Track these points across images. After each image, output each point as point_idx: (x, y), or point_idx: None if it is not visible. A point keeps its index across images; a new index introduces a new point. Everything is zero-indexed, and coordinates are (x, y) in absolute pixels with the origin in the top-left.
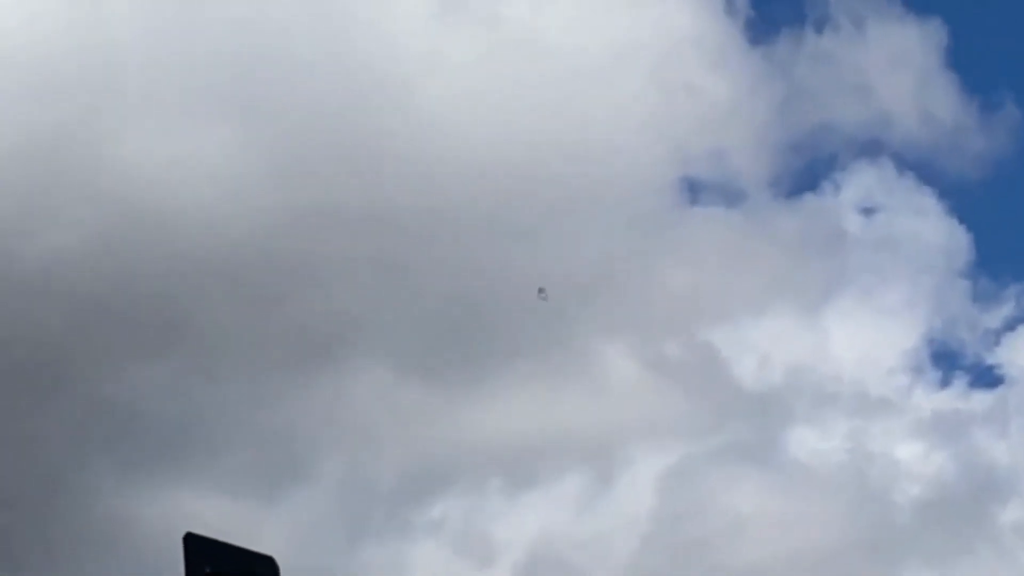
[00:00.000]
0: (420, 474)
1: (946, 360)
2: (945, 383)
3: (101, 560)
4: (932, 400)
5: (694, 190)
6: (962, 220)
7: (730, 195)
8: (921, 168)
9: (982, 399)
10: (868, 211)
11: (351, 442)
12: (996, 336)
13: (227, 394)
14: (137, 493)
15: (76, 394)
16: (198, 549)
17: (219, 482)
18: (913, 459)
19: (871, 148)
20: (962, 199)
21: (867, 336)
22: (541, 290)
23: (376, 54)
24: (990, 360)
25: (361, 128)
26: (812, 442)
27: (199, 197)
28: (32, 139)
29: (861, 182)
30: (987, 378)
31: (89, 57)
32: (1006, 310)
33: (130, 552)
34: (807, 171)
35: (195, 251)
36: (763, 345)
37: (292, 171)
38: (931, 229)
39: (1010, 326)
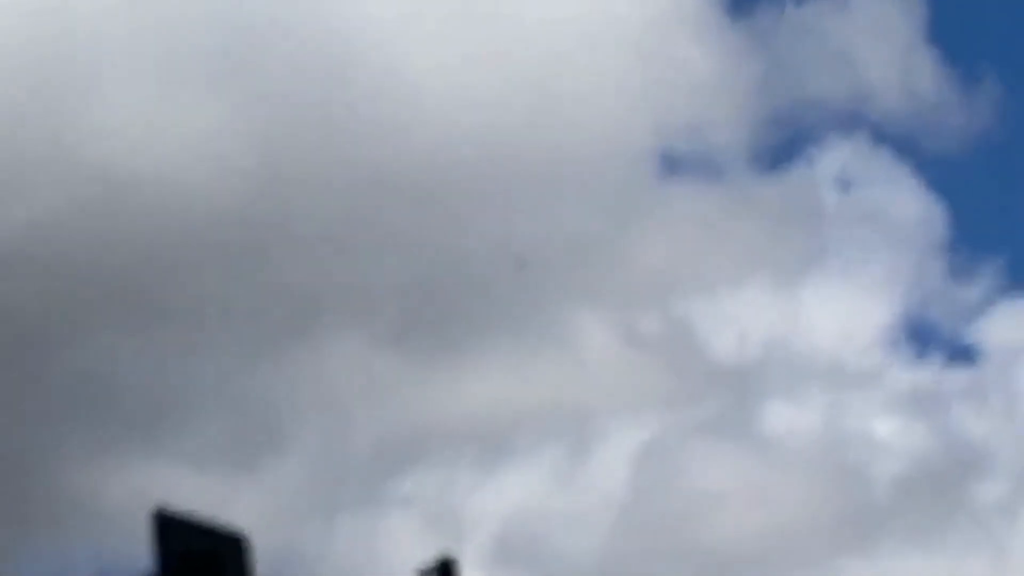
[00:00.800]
0: (393, 446)
1: (922, 336)
2: (921, 359)
3: (69, 535)
4: (909, 376)
5: (672, 163)
6: (939, 194)
7: (708, 168)
8: (900, 142)
9: (959, 375)
10: (846, 185)
11: (325, 413)
12: (972, 312)
13: (200, 364)
14: (108, 465)
15: (46, 365)
16: (168, 525)
17: (192, 454)
18: (890, 435)
19: (851, 122)
20: (940, 173)
21: (843, 311)
22: (520, 259)
23: (353, 20)
24: (966, 337)
25: (337, 98)
26: (788, 417)
27: (176, 164)
28: (3, 104)
29: (840, 156)
30: (964, 355)
31: (63, 21)
32: (982, 286)
33: (100, 526)
34: (786, 145)
35: (170, 219)
36: (739, 319)
37: (269, 139)
38: (908, 204)
39: (987, 302)
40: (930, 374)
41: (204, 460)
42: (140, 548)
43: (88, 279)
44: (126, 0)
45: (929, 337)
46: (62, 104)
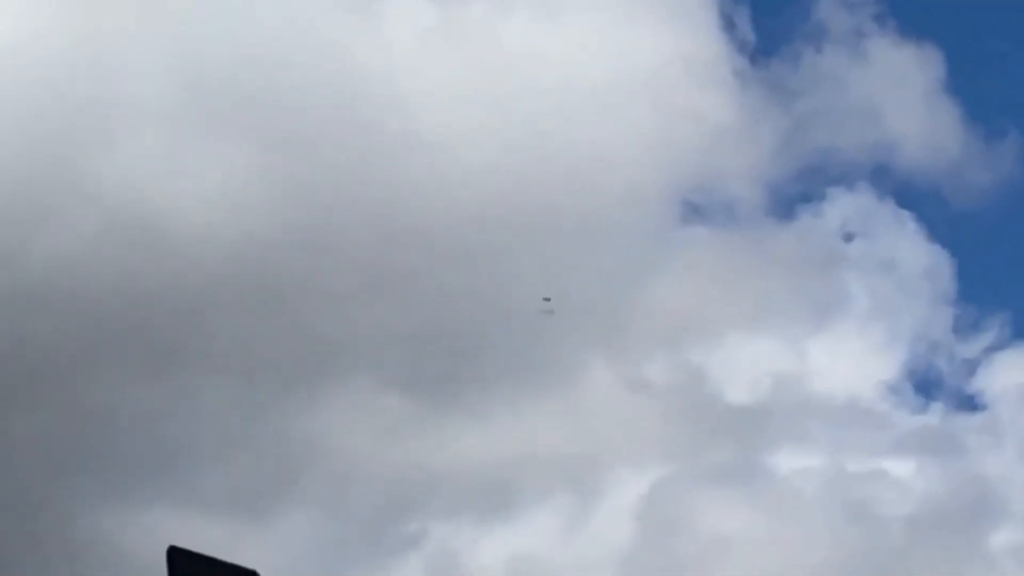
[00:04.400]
0: (401, 492)
1: (927, 386)
2: (926, 408)
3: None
4: (917, 421)
5: (689, 211)
6: (950, 247)
7: (724, 216)
8: (917, 195)
9: (967, 421)
10: (857, 236)
11: (335, 461)
12: (973, 365)
13: (213, 409)
14: (121, 508)
15: (59, 407)
16: (182, 562)
17: (204, 499)
18: (900, 479)
19: (867, 173)
20: (953, 227)
21: (852, 358)
22: (546, 299)
23: (374, 77)
24: (970, 387)
25: (355, 151)
26: (798, 461)
27: (196, 212)
28: (32, 148)
29: (854, 207)
30: (967, 404)
31: (92, 69)
32: (987, 338)
33: (114, 568)
34: (800, 194)
35: (188, 262)
36: (749, 366)
37: (290, 188)
38: (919, 256)
39: (991, 351)
40: (938, 421)
41: (215, 505)
42: None
43: (106, 321)
44: (154, 55)
45: (934, 387)
46: (85, 149)
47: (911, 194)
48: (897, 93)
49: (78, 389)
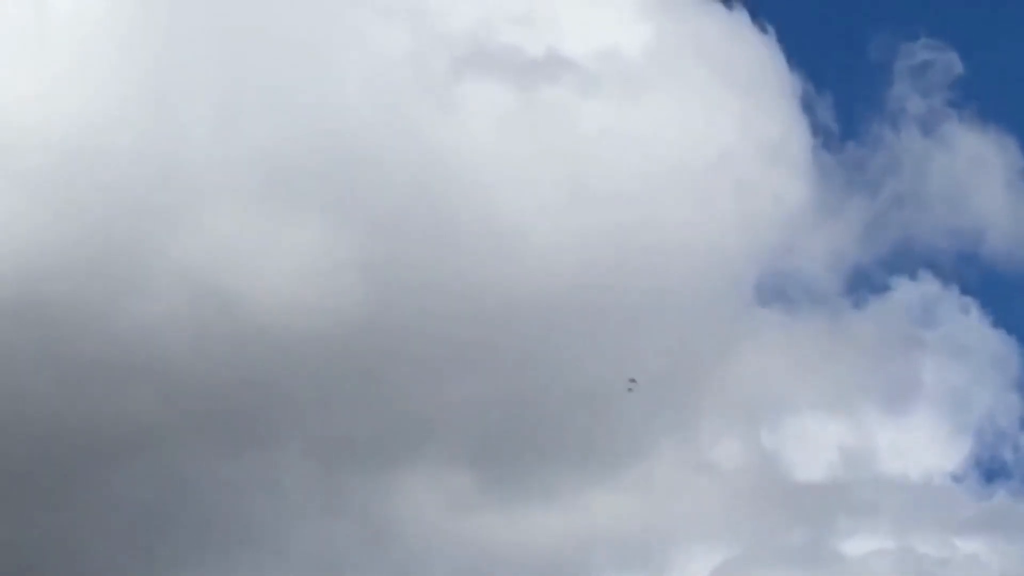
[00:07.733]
0: (472, 571)
1: (995, 471)
2: (993, 493)
3: None
4: (985, 505)
5: (764, 292)
6: (1012, 334)
7: (799, 298)
8: (988, 283)
9: None
10: (930, 323)
11: (409, 537)
12: None
13: (291, 485)
14: None
15: (143, 476)
16: None
17: (281, 572)
18: (971, 557)
19: (941, 259)
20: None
21: (921, 442)
22: (632, 380)
23: (452, 158)
24: None
25: (433, 231)
26: (868, 543)
27: (277, 289)
28: (119, 223)
29: (925, 293)
30: None
31: (178, 149)
32: None
33: None
34: (875, 279)
35: (269, 341)
36: (820, 447)
37: (364, 272)
38: (987, 344)
39: None
40: (1001, 504)
41: None
42: None
43: (187, 393)
44: (235, 134)
45: (1001, 472)
46: (171, 225)
47: (986, 282)
48: (973, 176)
49: (159, 460)
